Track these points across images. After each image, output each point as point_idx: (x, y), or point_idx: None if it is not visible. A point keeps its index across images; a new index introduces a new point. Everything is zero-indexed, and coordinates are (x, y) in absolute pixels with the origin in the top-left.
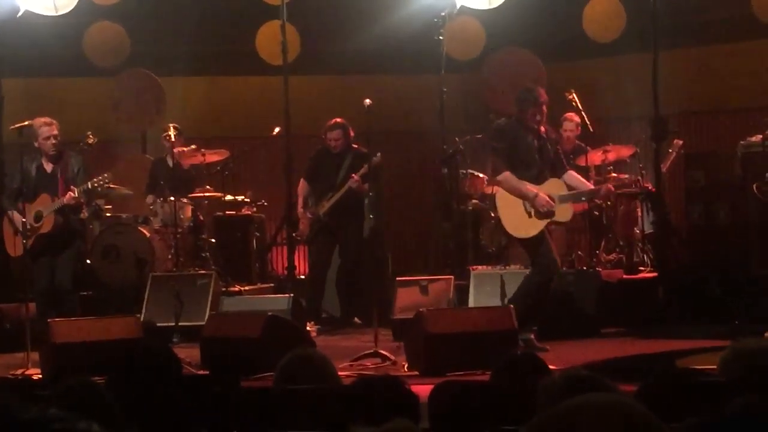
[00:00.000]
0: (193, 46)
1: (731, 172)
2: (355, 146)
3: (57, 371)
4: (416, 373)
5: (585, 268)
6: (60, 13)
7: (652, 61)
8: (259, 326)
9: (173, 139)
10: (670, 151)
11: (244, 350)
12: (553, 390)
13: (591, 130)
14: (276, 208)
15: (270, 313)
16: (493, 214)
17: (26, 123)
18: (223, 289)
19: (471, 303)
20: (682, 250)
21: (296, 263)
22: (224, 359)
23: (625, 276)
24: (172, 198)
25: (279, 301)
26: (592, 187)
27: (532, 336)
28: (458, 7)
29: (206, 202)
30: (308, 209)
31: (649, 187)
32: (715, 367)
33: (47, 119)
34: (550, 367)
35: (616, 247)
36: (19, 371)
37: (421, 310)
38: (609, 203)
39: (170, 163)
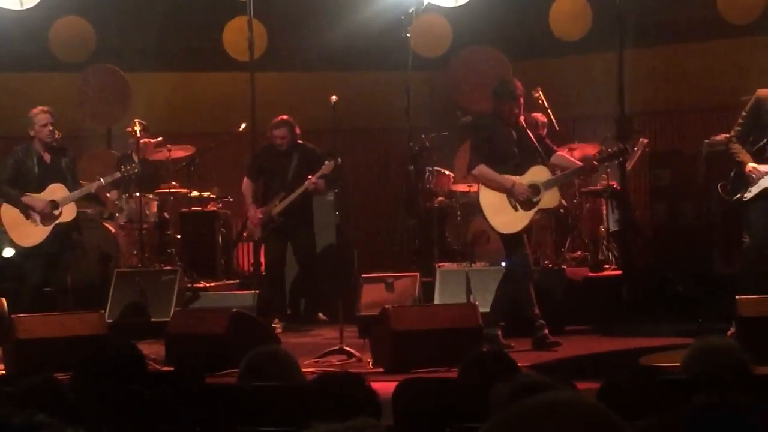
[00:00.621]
0: (159, 41)
1: (696, 170)
2: (300, 142)
3: (21, 367)
4: (381, 370)
5: (550, 265)
6: (25, 7)
7: (618, 59)
8: (224, 323)
9: (139, 135)
10: (635, 149)
11: (209, 346)
12: (504, 398)
13: (557, 128)
14: (242, 204)
15: (235, 310)
16: (460, 214)
17: None
18: (189, 285)
19: (437, 300)
20: (646, 248)
21: (262, 260)
22: (189, 355)
23: (590, 274)
24: (138, 194)
25: (244, 298)
26: (579, 164)
27: (499, 332)
28: (425, 4)
29: (172, 198)
30: (258, 209)
31: (614, 186)
32: (678, 364)
33: (44, 107)
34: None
35: (582, 245)
36: None
37: (386, 307)
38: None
39: (135, 159)
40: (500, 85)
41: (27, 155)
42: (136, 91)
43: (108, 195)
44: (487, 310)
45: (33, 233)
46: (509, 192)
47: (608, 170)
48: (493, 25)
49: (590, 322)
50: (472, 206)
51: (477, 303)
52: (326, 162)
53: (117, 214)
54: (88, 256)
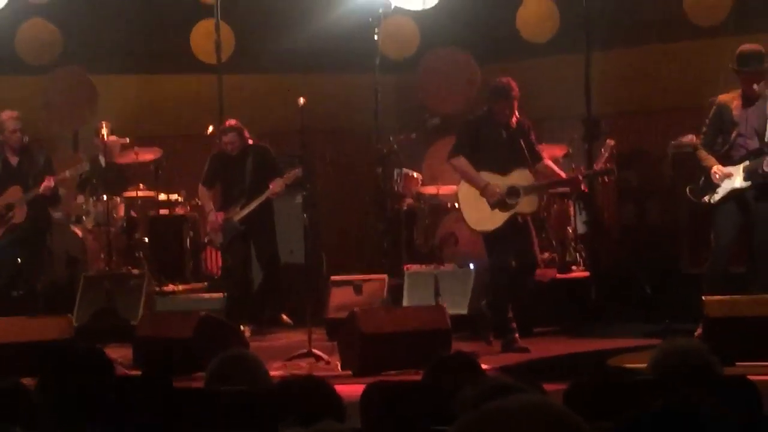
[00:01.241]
0: (126, 44)
1: (662, 172)
2: (251, 143)
3: None
4: (350, 372)
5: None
6: None
7: (585, 61)
8: (192, 326)
9: (106, 138)
10: (603, 151)
11: (177, 350)
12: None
13: None
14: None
15: (203, 313)
16: (428, 216)
17: None
18: (157, 288)
19: (405, 302)
20: (614, 249)
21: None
22: (157, 359)
23: (557, 275)
24: (105, 197)
25: (212, 301)
26: (564, 176)
27: (515, 336)
28: (393, 6)
29: (139, 201)
30: (219, 213)
31: (582, 187)
32: (645, 365)
33: (13, 113)
34: (483, 366)
35: (549, 246)
36: None
37: (354, 309)
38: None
39: (102, 162)
40: (497, 83)
41: None
42: (103, 94)
43: (75, 199)
44: (457, 311)
45: None
46: (481, 191)
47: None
48: (461, 27)
49: (558, 324)
50: (441, 208)
51: (445, 305)
52: (290, 170)
53: (84, 218)
54: (56, 259)
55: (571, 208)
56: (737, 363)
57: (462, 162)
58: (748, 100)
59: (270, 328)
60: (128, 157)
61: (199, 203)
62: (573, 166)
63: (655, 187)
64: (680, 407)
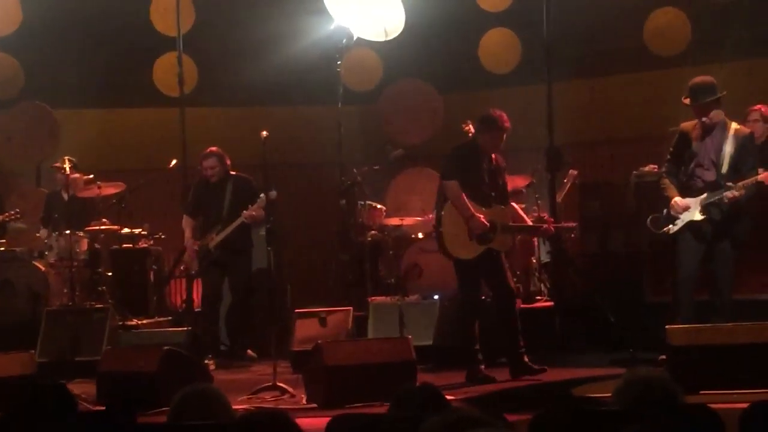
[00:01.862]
0: (88, 77)
1: (625, 201)
2: (233, 173)
3: None
4: (315, 405)
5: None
6: None
7: (547, 91)
8: (156, 360)
9: (68, 172)
10: (565, 181)
11: (141, 385)
12: None
13: None
14: (173, 240)
15: (167, 348)
16: (392, 248)
17: None
18: (120, 323)
19: (370, 334)
20: (578, 279)
21: (194, 296)
22: (121, 394)
23: (522, 305)
24: (68, 231)
25: (176, 335)
26: (531, 223)
27: (481, 366)
28: (355, 38)
29: (102, 235)
30: (196, 241)
31: (545, 217)
32: (610, 395)
33: None
34: (448, 397)
35: (513, 276)
36: None
37: (319, 342)
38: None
39: (65, 196)
40: (489, 114)
41: None
42: (66, 128)
43: (38, 234)
44: (422, 342)
45: None
46: (465, 220)
47: (538, 202)
48: (424, 59)
49: None
50: (405, 240)
51: (410, 336)
52: (262, 195)
53: (47, 252)
54: (18, 294)
55: (535, 239)
56: (701, 392)
57: (455, 185)
58: (706, 130)
59: (235, 361)
60: (91, 192)
61: (161, 236)
62: (536, 196)
63: (618, 216)
64: None
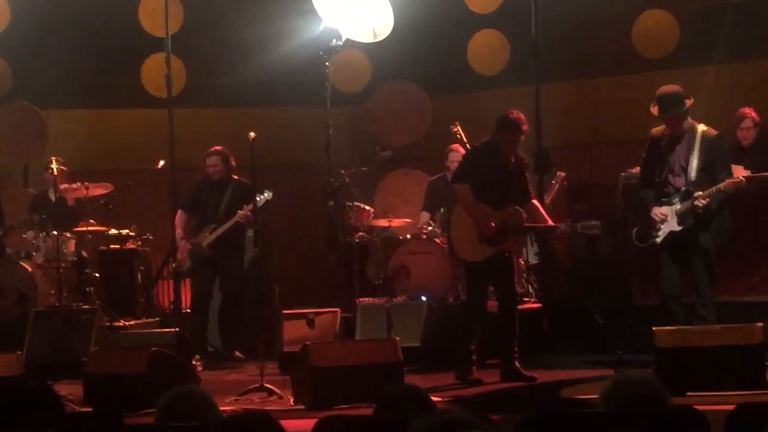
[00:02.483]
0: (76, 78)
1: (613, 202)
2: (236, 177)
3: None
4: (302, 407)
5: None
6: None
7: (535, 93)
8: (144, 362)
9: (56, 173)
10: (553, 182)
11: (128, 386)
12: None
13: None
14: (161, 241)
15: (154, 349)
16: (380, 249)
17: None
18: (108, 324)
19: (358, 335)
20: (565, 280)
21: (182, 297)
22: (108, 396)
23: None
24: (55, 232)
25: (164, 336)
26: (551, 223)
27: (473, 368)
28: (344, 40)
29: (90, 236)
30: (188, 239)
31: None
32: (597, 397)
33: None
34: (434, 399)
35: None
36: None
37: (307, 343)
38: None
39: (53, 197)
40: (507, 115)
41: None
42: (54, 129)
43: (24, 235)
44: (410, 344)
45: None
46: (476, 222)
47: None
48: (412, 61)
49: None
50: (393, 241)
51: (398, 338)
52: (260, 196)
53: (34, 253)
54: (5, 295)
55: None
56: (688, 393)
57: (466, 189)
58: (676, 137)
59: (222, 363)
60: (78, 192)
61: (148, 237)
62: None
63: (606, 218)
64: None
